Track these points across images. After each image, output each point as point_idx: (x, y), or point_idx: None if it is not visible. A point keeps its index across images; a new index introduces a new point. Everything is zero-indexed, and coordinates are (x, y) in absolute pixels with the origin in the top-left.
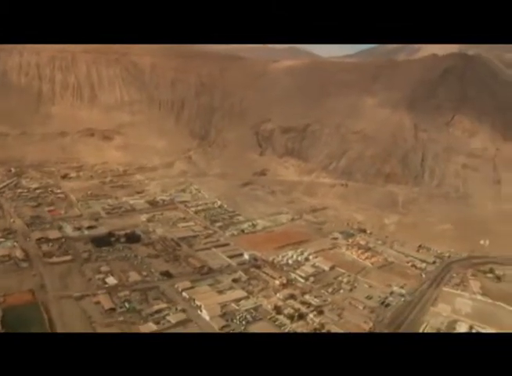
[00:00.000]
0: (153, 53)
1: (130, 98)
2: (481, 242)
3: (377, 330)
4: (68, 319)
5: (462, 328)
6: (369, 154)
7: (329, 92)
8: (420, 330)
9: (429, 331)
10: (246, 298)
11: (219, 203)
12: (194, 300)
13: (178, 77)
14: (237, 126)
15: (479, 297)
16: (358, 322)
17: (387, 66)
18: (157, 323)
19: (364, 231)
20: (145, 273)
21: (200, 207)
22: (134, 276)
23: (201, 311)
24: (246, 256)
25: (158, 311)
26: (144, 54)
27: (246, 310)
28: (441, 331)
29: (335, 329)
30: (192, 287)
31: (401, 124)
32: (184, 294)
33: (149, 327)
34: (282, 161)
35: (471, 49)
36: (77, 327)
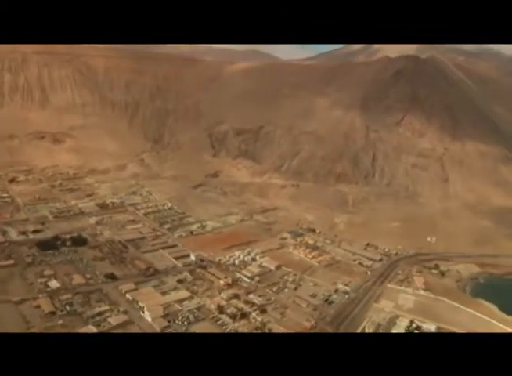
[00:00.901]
0: (107, 55)
1: (82, 100)
2: (428, 239)
3: (319, 328)
4: (5, 324)
5: (403, 323)
6: (321, 155)
7: (283, 93)
8: (361, 326)
9: (370, 327)
10: (190, 298)
11: (169, 205)
12: (137, 301)
13: (133, 79)
14: (191, 128)
15: (422, 292)
16: (300, 320)
17: (341, 68)
18: (98, 325)
19: (313, 231)
20: (89, 276)
21: (149, 210)
22: (77, 279)
23: (143, 312)
24: (192, 257)
25: (99, 313)
26: (98, 55)
27: (189, 310)
28: (382, 327)
29: (277, 327)
30: (136, 289)
31: (352, 125)
32: (127, 295)
33: (89, 330)
34: (235, 163)
35: (426, 52)
36: (15, 331)
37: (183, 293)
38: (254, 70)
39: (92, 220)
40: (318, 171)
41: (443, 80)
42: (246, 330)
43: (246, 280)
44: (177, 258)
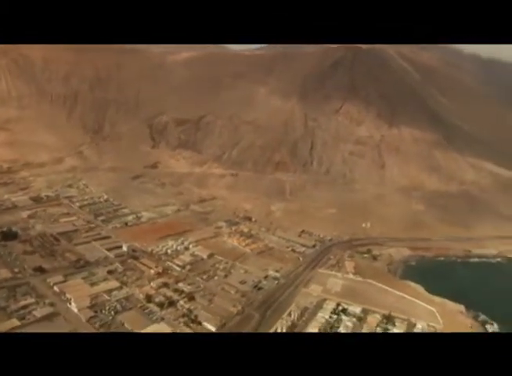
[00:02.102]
0: (45, 45)
1: (18, 92)
2: (363, 225)
3: (246, 313)
4: None
5: (329, 306)
6: (260, 144)
7: (224, 83)
8: (287, 310)
9: (296, 311)
10: (119, 288)
11: (106, 197)
12: (65, 293)
13: (72, 71)
14: (132, 119)
15: (351, 276)
16: (227, 306)
17: (282, 57)
18: (22, 318)
19: (249, 219)
20: (17, 270)
21: (85, 202)
22: (4, 274)
23: (70, 304)
24: (124, 248)
25: (24, 307)
26: (36, 46)
27: (117, 300)
28: (309, 310)
29: (203, 314)
30: (64, 281)
31: (292, 114)
32: (55, 288)
33: (12, 323)
34: (174, 154)
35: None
36: None
37: (112, 283)
38: (196, 60)
39: (25, 214)
40: (257, 160)
41: (383, 70)
42: (172, 317)
43: (177, 268)
44: (109, 250)
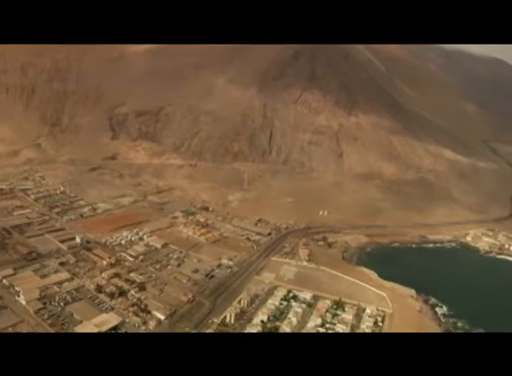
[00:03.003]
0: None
1: None
2: (320, 213)
3: (197, 301)
4: None
5: (280, 293)
6: (219, 134)
7: (184, 73)
8: (238, 298)
9: (246, 298)
10: (70, 279)
11: (62, 189)
12: (14, 286)
13: (30, 62)
14: (91, 111)
15: (305, 263)
16: (177, 295)
17: (243, 47)
18: None
19: (206, 209)
20: None
21: (40, 195)
22: None
23: (18, 296)
24: (78, 239)
25: None
26: None
27: (67, 292)
28: (260, 297)
29: (153, 303)
30: (14, 274)
31: (251, 104)
32: (4, 281)
33: None
34: (134, 145)
35: None
36: None
37: (63, 275)
38: (157, 51)
39: None
40: (215, 150)
41: (344, 59)
42: (122, 307)
43: (130, 259)
44: (62, 242)
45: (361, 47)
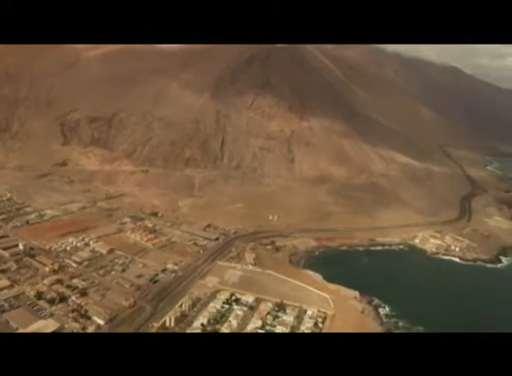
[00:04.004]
0: None
1: None
2: (270, 217)
3: (138, 305)
4: None
5: (222, 296)
6: (171, 140)
7: (139, 79)
8: (180, 301)
9: (187, 302)
10: (10, 287)
11: (9, 195)
12: None
13: None
14: (43, 117)
15: (250, 267)
16: (119, 300)
17: (199, 52)
18: None
19: (155, 214)
20: None
21: None
22: None
23: None
24: (21, 246)
25: None
26: None
27: (5, 299)
28: (202, 301)
29: (94, 308)
30: None
31: (204, 110)
32: None
33: None
34: (86, 151)
35: None
36: None
37: (3, 282)
38: (112, 56)
39: None
40: (167, 156)
41: (299, 66)
42: (62, 313)
43: (74, 265)
44: (5, 249)
45: (318, 53)
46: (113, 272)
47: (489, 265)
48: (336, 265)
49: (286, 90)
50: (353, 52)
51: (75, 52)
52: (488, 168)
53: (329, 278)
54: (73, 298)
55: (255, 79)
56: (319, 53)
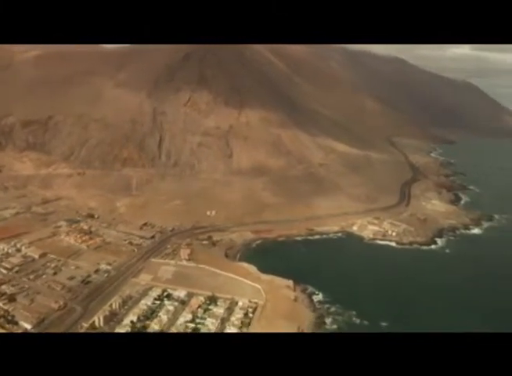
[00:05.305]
0: None
1: None
2: (208, 213)
3: (68, 307)
4: None
5: (154, 293)
6: (109, 141)
7: (74, 81)
8: (111, 300)
9: (118, 300)
10: None
11: None
12: None
13: None
14: None
15: (184, 263)
16: (48, 303)
17: (134, 53)
18: None
19: (92, 216)
20: None
21: None
22: None
23: None
24: None
25: None
26: None
27: None
28: (133, 299)
29: (22, 313)
30: None
31: (140, 109)
32: None
33: None
34: (21, 156)
35: None
36: None
37: None
38: (46, 58)
39: None
40: (105, 157)
41: (236, 62)
42: None
43: (4, 271)
44: None
45: (261, 48)
46: (44, 276)
47: (424, 247)
48: (272, 257)
49: (223, 85)
50: (298, 46)
51: (8, 55)
52: (432, 154)
53: (264, 269)
54: (1, 304)
55: (192, 76)
56: (262, 48)
